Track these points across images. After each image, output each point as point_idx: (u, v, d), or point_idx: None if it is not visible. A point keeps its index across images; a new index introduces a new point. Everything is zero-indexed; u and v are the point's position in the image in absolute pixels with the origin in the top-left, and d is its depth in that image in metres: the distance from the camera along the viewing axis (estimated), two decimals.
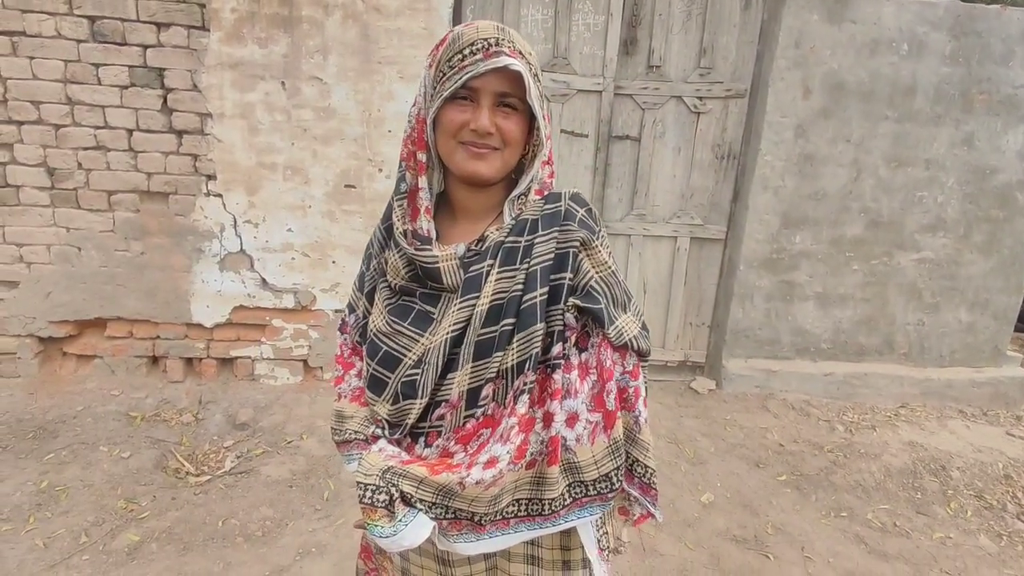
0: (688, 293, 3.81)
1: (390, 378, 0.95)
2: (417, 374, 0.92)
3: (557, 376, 0.88)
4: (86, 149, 3.07)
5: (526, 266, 0.89)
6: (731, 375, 3.70)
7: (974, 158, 3.54)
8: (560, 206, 0.93)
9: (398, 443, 0.96)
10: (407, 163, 0.94)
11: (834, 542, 2.51)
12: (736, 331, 3.70)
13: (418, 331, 0.94)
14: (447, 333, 0.90)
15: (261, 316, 3.40)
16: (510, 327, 0.88)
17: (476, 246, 0.94)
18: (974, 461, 3.11)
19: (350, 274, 3.35)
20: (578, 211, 0.93)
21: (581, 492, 0.93)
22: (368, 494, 0.86)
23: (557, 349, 0.89)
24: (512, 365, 0.88)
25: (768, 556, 2.40)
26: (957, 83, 3.42)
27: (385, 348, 0.96)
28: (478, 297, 0.90)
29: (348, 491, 2.62)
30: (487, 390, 0.89)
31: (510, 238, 0.91)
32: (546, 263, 0.89)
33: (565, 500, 0.93)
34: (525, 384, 0.87)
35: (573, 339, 0.90)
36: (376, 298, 1.02)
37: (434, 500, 0.88)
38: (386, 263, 1.00)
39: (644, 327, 0.96)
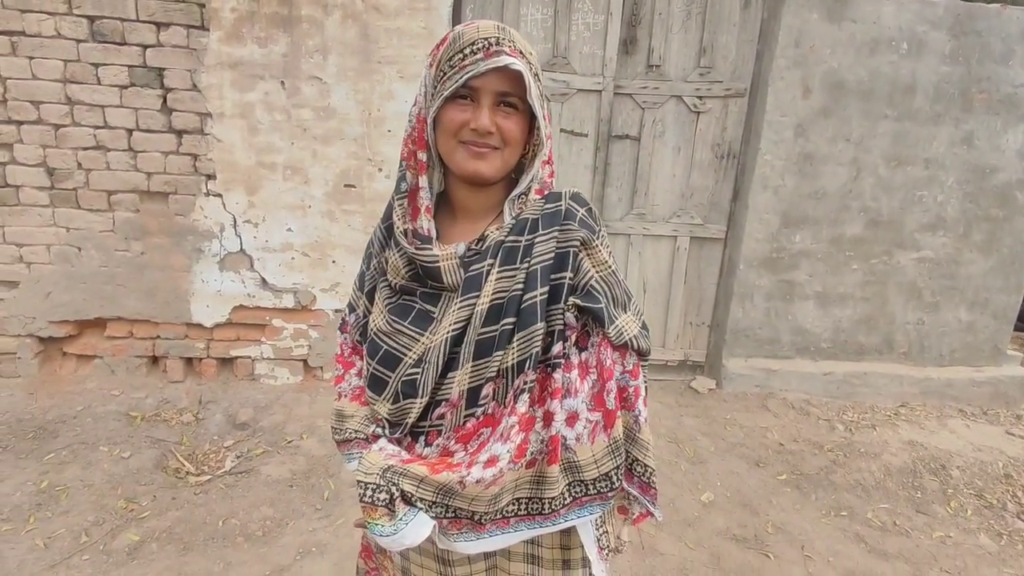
0: (688, 292, 3.81)
1: (390, 377, 0.95)
2: (417, 373, 0.92)
3: (557, 375, 0.88)
4: (86, 149, 3.07)
5: (526, 265, 0.89)
6: (731, 374, 3.70)
7: (974, 157, 3.54)
8: (560, 205, 0.93)
9: (398, 442, 0.96)
10: (407, 162, 0.95)
11: (834, 541, 2.51)
12: (736, 330, 3.71)
13: (418, 330, 0.94)
14: (447, 332, 0.91)
15: (261, 316, 3.40)
16: (510, 326, 0.88)
17: (476, 245, 0.94)
18: (974, 460, 3.11)
19: (350, 274, 3.35)
20: (578, 210, 0.93)
21: (581, 491, 0.93)
22: (369, 493, 0.86)
23: (557, 348, 0.89)
24: (512, 364, 0.88)
25: (768, 555, 2.40)
26: (957, 82, 3.42)
27: (385, 347, 0.96)
28: (478, 296, 0.90)
29: (348, 491, 2.62)
30: (487, 389, 0.89)
31: (510, 237, 0.92)
32: (546, 262, 0.89)
33: (565, 499, 0.93)
34: (525, 383, 0.88)
35: (573, 338, 0.90)
36: (376, 297, 1.02)
37: (434, 499, 0.88)
38: (386, 262, 1.00)
39: (644, 326, 0.96)
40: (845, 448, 3.17)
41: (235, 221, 3.24)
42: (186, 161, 3.14)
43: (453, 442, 0.91)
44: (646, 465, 0.98)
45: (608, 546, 1.04)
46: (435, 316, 0.95)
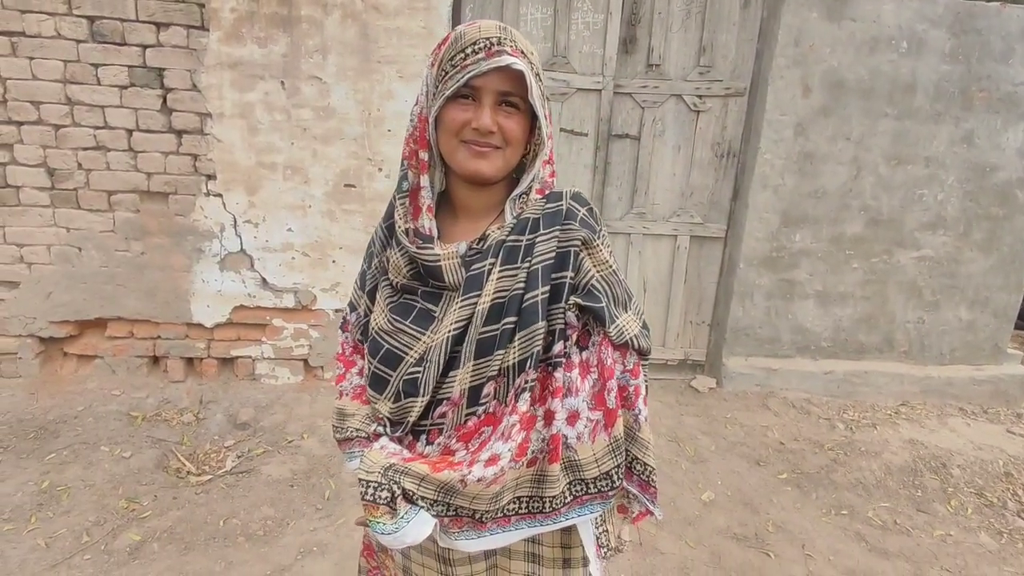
0: (688, 291, 3.81)
1: (392, 376, 0.95)
2: (419, 372, 0.93)
3: (558, 374, 0.89)
4: (86, 149, 3.07)
5: (527, 265, 0.89)
6: (731, 373, 3.70)
7: (974, 156, 3.54)
8: (561, 205, 0.93)
9: (399, 441, 0.96)
10: (409, 161, 0.95)
11: (835, 540, 2.51)
12: (736, 329, 3.71)
13: (420, 329, 0.95)
14: (449, 331, 0.91)
15: (261, 316, 3.40)
16: (511, 325, 0.88)
17: (477, 245, 0.95)
18: (974, 459, 3.11)
19: (350, 273, 3.35)
20: (579, 210, 0.93)
21: (582, 490, 0.94)
22: (370, 491, 0.87)
23: (558, 347, 0.89)
24: (513, 363, 0.88)
25: (769, 554, 2.40)
26: (957, 81, 3.42)
27: (387, 346, 0.96)
28: (479, 295, 0.90)
29: (349, 490, 2.62)
30: (488, 388, 0.89)
31: (511, 237, 0.92)
32: (547, 262, 0.89)
33: (566, 498, 0.93)
34: (526, 382, 0.88)
35: (574, 337, 0.90)
36: (378, 296, 1.03)
37: (436, 497, 0.88)
38: (388, 261, 1.00)
39: (644, 326, 0.96)
40: (846, 447, 3.17)
41: (235, 221, 3.24)
42: (186, 161, 3.14)
43: (454, 441, 0.92)
44: (646, 464, 0.98)
45: (608, 545, 1.04)
46: (436, 315, 0.95)
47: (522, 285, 0.88)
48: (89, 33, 2.94)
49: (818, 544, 2.47)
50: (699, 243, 3.73)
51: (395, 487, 0.87)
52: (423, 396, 0.92)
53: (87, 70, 2.97)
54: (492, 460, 0.86)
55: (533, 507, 0.93)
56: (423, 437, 0.95)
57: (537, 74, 0.89)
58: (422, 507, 0.88)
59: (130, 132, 3.07)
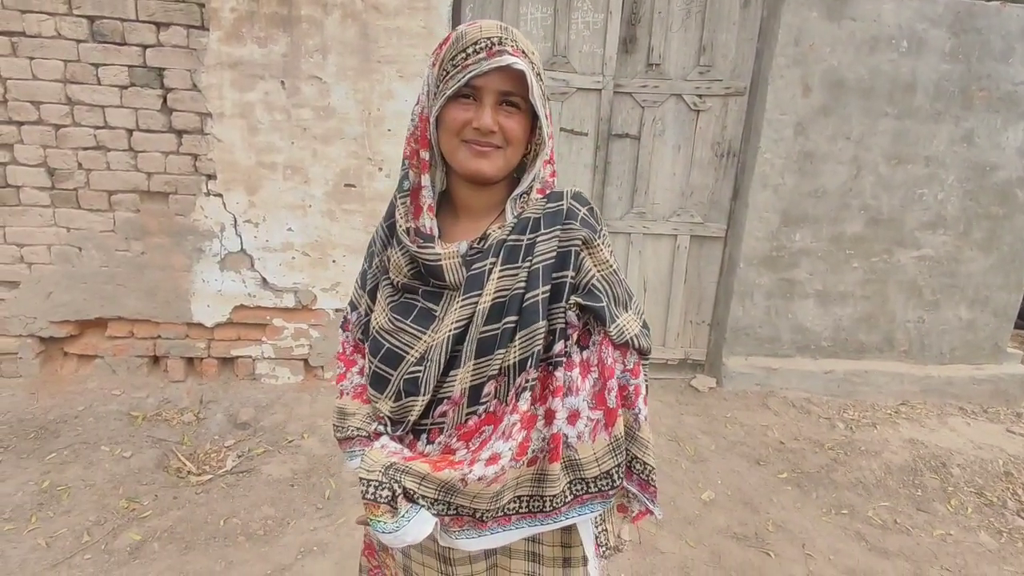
0: (688, 291, 3.81)
1: (392, 375, 0.96)
2: (419, 371, 0.93)
3: (559, 374, 0.89)
4: (86, 149, 3.07)
5: (528, 264, 0.89)
6: (731, 373, 3.70)
7: (974, 155, 3.54)
8: (562, 205, 0.93)
9: (400, 440, 0.96)
10: (410, 161, 0.95)
11: (835, 539, 2.51)
12: (736, 329, 3.71)
13: (420, 328, 0.95)
14: (449, 330, 0.91)
15: (262, 315, 3.40)
16: (512, 324, 0.88)
17: (478, 244, 0.95)
18: (974, 458, 3.12)
19: (350, 273, 3.35)
20: (580, 210, 0.94)
21: (582, 489, 0.94)
22: (371, 490, 0.87)
23: (559, 347, 0.89)
24: (514, 362, 0.88)
25: (769, 553, 2.40)
26: (957, 80, 3.42)
27: (387, 345, 0.97)
28: (480, 295, 0.90)
29: (349, 490, 2.62)
30: (489, 387, 0.89)
31: (512, 236, 0.92)
32: (548, 261, 0.89)
33: (566, 497, 0.93)
34: (527, 381, 0.88)
35: (575, 337, 0.91)
36: (378, 295, 1.03)
37: (436, 496, 0.88)
38: (388, 261, 1.00)
39: (645, 325, 0.97)
40: (846, 446, 3.18)
41: (235, 221, 3.25)
42: (186, 161, 3.14)
43: (455, 440, 0.92)
44: (645, 463, 0.99)
45: (607, 544, 1.05)
46: (437, 314, 0.95)
47: (523, 284, 0.89)
48: (89, 33, 2.94)
49: (818, 543, 2.47)
50: (699, 243, 3.73)
51: (396, 486, 0.87)
52: (424, 395, 0.92)
53: (87, 70, 2.97)
54: (493, 459, 0.86)
55: (533, 506, 0.93)
56: (424, 436, 0.95)
57: (538, 74, 0.89)
58: (423, 506, 0.89)
59: (130, 132, 3.07)
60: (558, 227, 0.91)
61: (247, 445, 2.92)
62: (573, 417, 0.90)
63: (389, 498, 0.86)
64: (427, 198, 0.94)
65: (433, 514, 0.89)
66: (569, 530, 1.01)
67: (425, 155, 0.93)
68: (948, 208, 3.61)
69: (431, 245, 0.94)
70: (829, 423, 3.41)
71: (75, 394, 3.18)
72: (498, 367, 0.88)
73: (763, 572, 2.30)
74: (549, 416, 0.89)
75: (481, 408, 0.90)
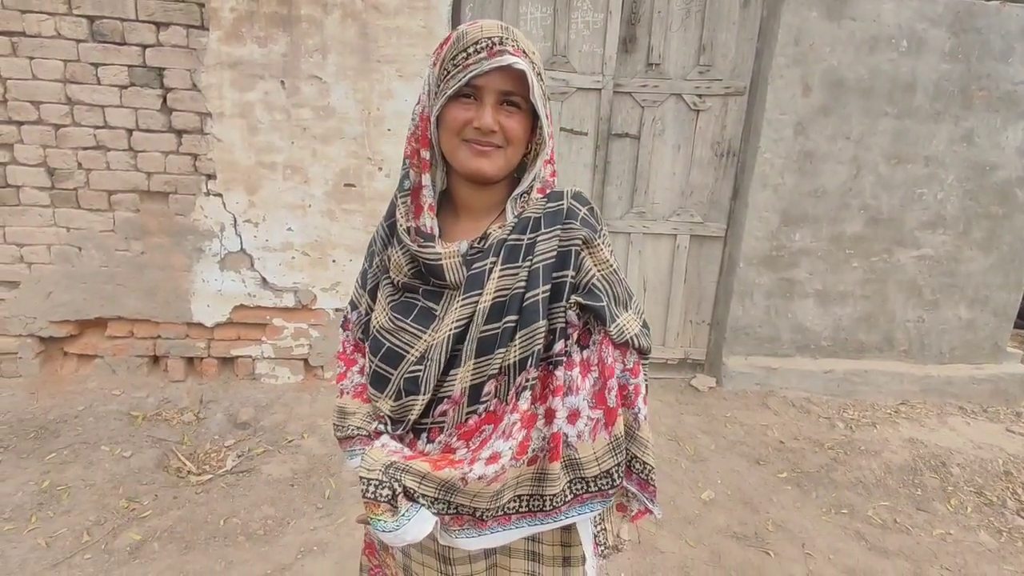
0: (688, 291, 3.81)
1: (393, 374, 0.96)
2: (420, 370, 0.93)
3: (559, 373, 0.89)
4: (86, 149, 3.07)
5: (528, 263, 0.89)
6: (731, 372, 3.70)
7: (974, 154, 3.54)
8: (562, 204, 0.93)
9: (400, 439, 0.96)
10: (411, 160, 0.95)
11: (835, 539, 2.51)
12: (736, 328, 3.71)
13: (421, 328, 0.95)
14: (450, 330, 0.91)
15: (261, 315, 3.40)
16: (512, 324, 0.88)
17: (479, 243, 0.95)
18: (974, 457, 3.12)
19: (350, 273, 3.35)
20: (580, 210, 0.94)
21: (582, 488, 0.94)
22: (371, 489, 0.87)
23: (559, 346, 0.89)
24: (514, 362, 0.88)
25: (769, 553, 2.40)
26: (956, 79, 3.42)
27: (388, 344, 0.97)
28: (481, 294, 0.90)
29: (349, 490, 2.63)
30: (489, 386, 0.89)
31: (512, 236, 0.92)
32: (548, 261, 0.89)
33: (566, 496, 0.93)
34: (527, 380, 0.88)
35: (575, 336, 0.91)
36: (379, 295, 1.03)
37: (436, 495, 0.88)
38: (389, 260, 1.00)
39: (645, 325, 0.97)
40: (845, 446, 3.18)
41: (235, 220, 3.25)
42: (186, 161, 3.14)
43: (455, 439, 0.92)
44: (645, 462, 0.99)
45: (606, 543, 1.05)
46: (437, 313, 0.95)
47: (523, 284, 0.89)
48: (89, 33, 2.94)
49: (818, 543, 2.47)
50: (699, 242, 3.73)
51: (396, 485, 0.87)
52: (424, 394, 0.92)
53: (87, 70, 2.97)
54: (493, 458, 0.86)
55: (533, 505, 0.93)
56: (424, 435, 0.96)
57: (539, 74, 0.89)
58: (423, 505, 0.89)
59: (130, 132, 3.07)
60: (558, 227, 0.91)
61: (247, 445, 2.92)
62: (573, 416, 0.90)
63: (389, 497, 0.86)
64: (428, 197, 0.94)
65: (433, 513, 0.89)
66: (569, 529, 1.01)
67: (426, 154, 0.93)
68: (948, 208, 3.61)
69: (431, 244, 0.94)
70: (829, 423, 3.41)
71: (75, 394, 3.18)
72: (498, 366, 0.88)
73: (763, 571, 2.30)
74: (549, 415, 0.89)
75: (481, 407, 0.90)
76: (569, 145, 3.55)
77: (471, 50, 0.85)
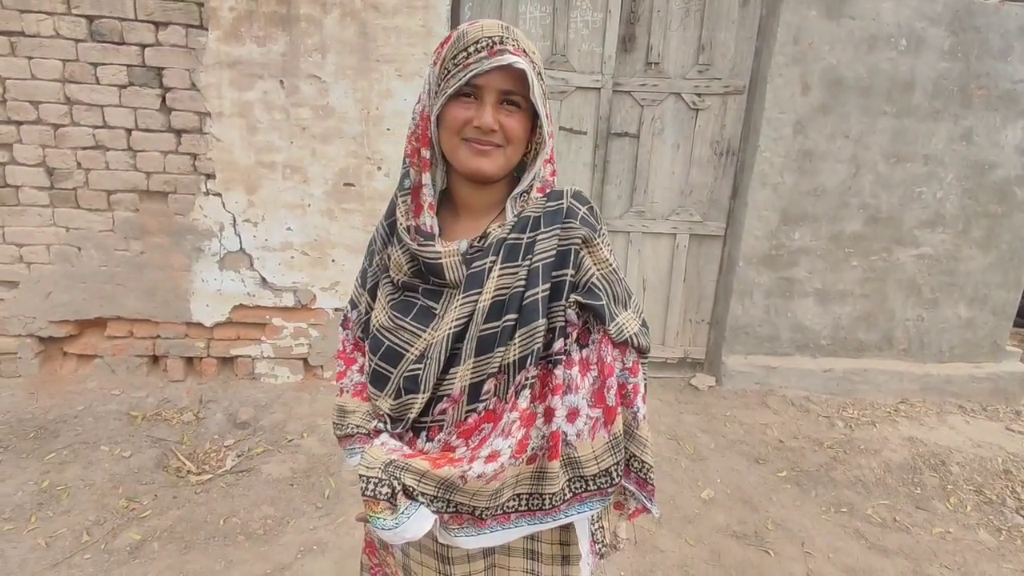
0: (687, 290, 3.81)
1: (392, 373, 0.96)
2: (419, 369, 0.93)
3: (558, 372, 0.89)
4: (85, 149, 3.07)
5: (528, 262, 0.90)
6: (731, 371, 3.70)
7: (973, 153, 3.54)
8: (562, 204, 0.93)
9: (400, 437, 0.97)
10: (411, 159, 0.95)
11: (834, 537, 2.51)
12: (736, 327, 3.71)
13: (420, 326, 0.95)
14: (449, 328, 0.91)
15: (261, 315, 3.40)
16: (512, 323, 0.88)
17: (478, 242, 0.95)
18: (973, 456, 3.12)
19: (350, 272, 3.35)
20: (580, 209, 0.94)
21: (581, 487, 0.94)
22: (371, 487, 0.87)
23: (558, 345, 0.89)
24: (514, 360, 0.88)
25: (768, 552, 2.40)
26: (956, 78, 3.42)
27: (388, 343, 0.97)
28: (480, 293, 0.90)
29: (349, 489, 2.63)
30: (489, 385, 0.89)
31: (512, 235, 0.92)
32: (548, 260, 0.90)
33: (565, 495, 0.93)
34: (527, 379, 0.88)
35: (574, 335, 0.91)
36: (379, 294, 1.03)
37: (436, 494, 0.88)
38: (389, 259, 1.01)
39: (644, 324, 0.97)
40: (845, 445, 3.18)
41: (235, 220, 3.24)
42: (185, 160, 3.14)
43: (455, 437, 0.92)
44: (643, 461, 0.99)
45: (603, 541, 1.05)
46: (437, 312, 0.95)
47: (523, 283, 0.89)
48: (88, 32, 2.94)
49: (818, 542, 2.48)
50: (698, 241, 3.73)
51: (395, 483, 0.87)
52: (423, 393, 0.92)
53: (86, 69, 2.97)
54: (492, 456, 0.86)
55: (533, 504, 0.93)
56: (423, 434, 0.96)
57: (539, 73, 0.89)
58: (422, 503, 0.89)
59: (129, 131, 3.07)
60: (558, 226, 0.91)
61: (247, 444, 2.92)
62: (572, 415, 0.90)
63: (389, 495, 0.87)
64: (428, 196, 0.94)
65: (432, 511, 0.89)
66: (568, 528, 1.01)
67: (426, 153, 0.93)
68: (947, 206, 3.61)
69: (431, 243, 0.94)
70: (828, 421, 3.42)
71: (75, 394, 3.17)
72: (498, 365, 0.89)
73: (762, 570, 2.30)
74: (548, 414, 0.89)
75: (481, 406, 0.90)
76: (568, 144, 3.55)
77: (471, 49, 0.85)
